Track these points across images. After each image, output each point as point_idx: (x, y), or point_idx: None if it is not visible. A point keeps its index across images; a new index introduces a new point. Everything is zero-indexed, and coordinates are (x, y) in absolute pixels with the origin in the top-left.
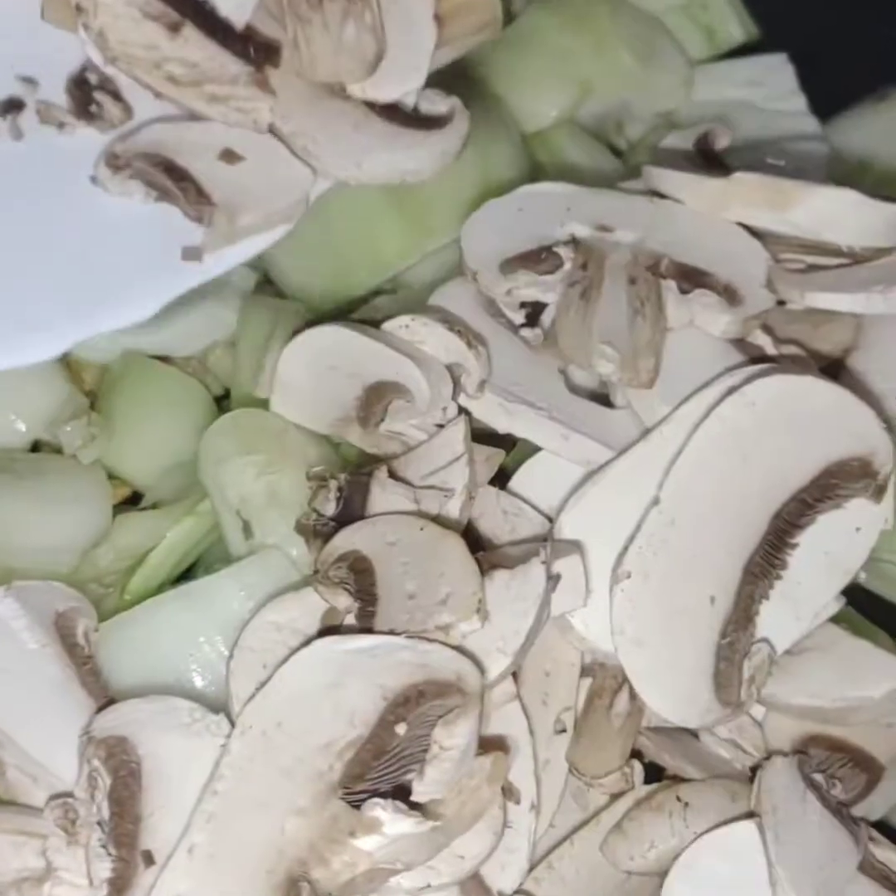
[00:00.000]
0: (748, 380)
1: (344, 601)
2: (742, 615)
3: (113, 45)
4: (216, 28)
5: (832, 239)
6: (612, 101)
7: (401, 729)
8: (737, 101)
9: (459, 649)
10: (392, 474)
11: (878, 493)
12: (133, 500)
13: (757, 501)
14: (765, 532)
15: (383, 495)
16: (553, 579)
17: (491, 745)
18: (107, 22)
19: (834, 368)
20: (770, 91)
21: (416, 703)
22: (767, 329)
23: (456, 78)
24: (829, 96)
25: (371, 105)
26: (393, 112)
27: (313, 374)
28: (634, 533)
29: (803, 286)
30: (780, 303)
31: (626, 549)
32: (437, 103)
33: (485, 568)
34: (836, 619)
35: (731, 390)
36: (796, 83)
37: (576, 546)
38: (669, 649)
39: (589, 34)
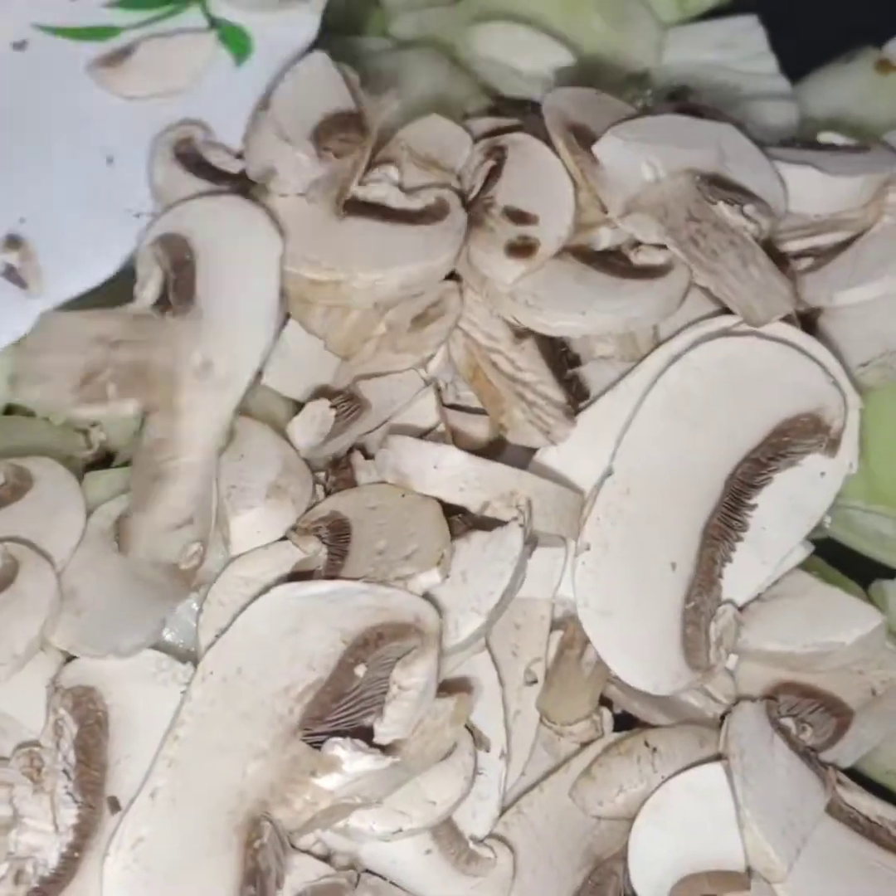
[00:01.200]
0: (693, 345)
1: (313, 547)
2: (704, 578)
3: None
4: (554, 355)
5: (801, 210)
6: (584, 63)
7: (360, 671)
8: (708, 63)
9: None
10: (366, 455)
11: (832, 447)
12: (106, 462)
13: (710, 465)
14: (721, 495)
15: (368, 478)
16: (530, 543)
17: (456, 687)
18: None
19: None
20: (741, 53)
21: (375, 645)
22: None
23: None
24: (799, 58)
25: (588, 259)
26: (611, 264)
27: None
28: (591, 504)
29: (828, 288)
30: None
31: (584, 520)
32: (654, 256)
33: (463, 530)
34: (807, 570)
35: (675, 358)
36: (767, 45)
37: (561, 540)
38: (635, 618)
39: None
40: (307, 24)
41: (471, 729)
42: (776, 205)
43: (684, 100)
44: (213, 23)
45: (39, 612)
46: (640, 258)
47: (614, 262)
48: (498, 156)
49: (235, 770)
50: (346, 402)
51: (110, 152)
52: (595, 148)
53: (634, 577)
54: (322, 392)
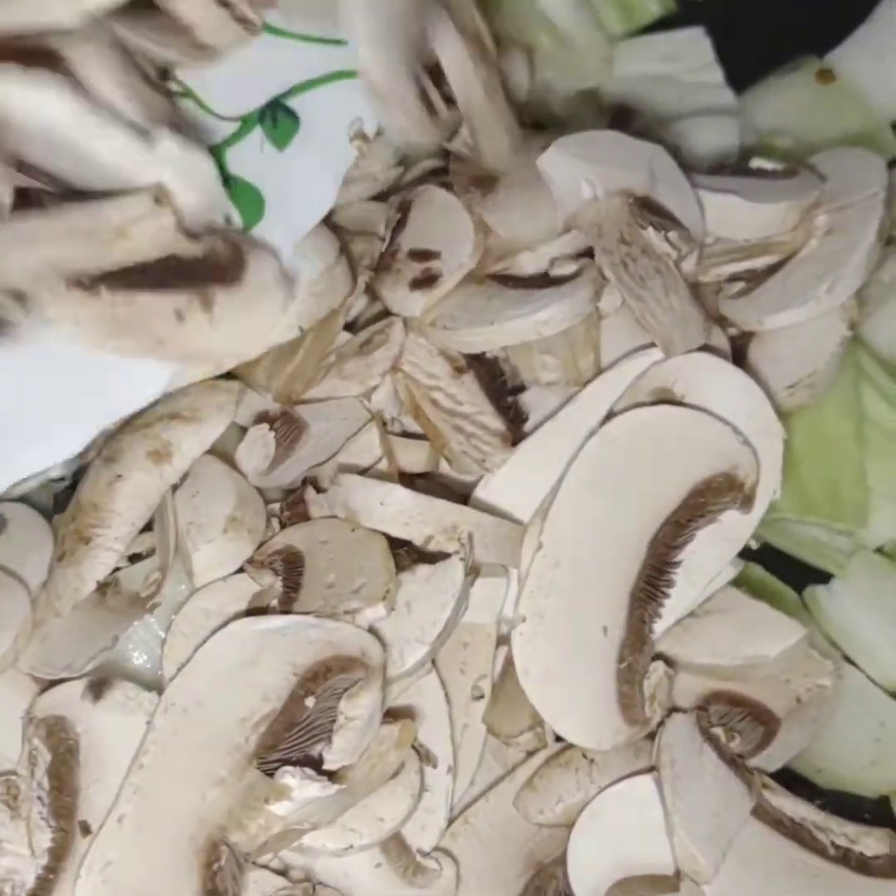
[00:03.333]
0: (608, 418)
1: (268, 580)
2: (635, 638)
3: (403, 361)
4: (493, 385)
5: (729, 235)
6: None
7: (310, 702)
8: (656, 75)
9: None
10: (318, 489)
11: (747, 503)
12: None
13: (633, 532)
14: (645, 558)
15: (321, 512)
16: (471, 575)
17: (402, 713)
18: (410, 347)
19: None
20: (688, 64)
21: (324, 677)
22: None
23: None
24: (746, 68)
25: (505, 282)
26: (527, 282)
27: None
28: (524, 579)
29: (757, 312)
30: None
31: (519, 594)
32: (567, 266)
33: (408, 563)
34: (744, 579)
35: (592, 433)
36: (713, 56)
37: (503, 569)
38: (573, 681)
39: (507, 18)
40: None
41: (418, 748)
42: (696, 231)
43: (624, 120)
44: (227, 179)
45: (11, 628)
46: (555, 271)
47: (531, 281)
48: (404, 207)
49: (196, 796)
50: (285, 425)
51: None
52: (540, 160)
53: (569, 643)
54: (262, 417)
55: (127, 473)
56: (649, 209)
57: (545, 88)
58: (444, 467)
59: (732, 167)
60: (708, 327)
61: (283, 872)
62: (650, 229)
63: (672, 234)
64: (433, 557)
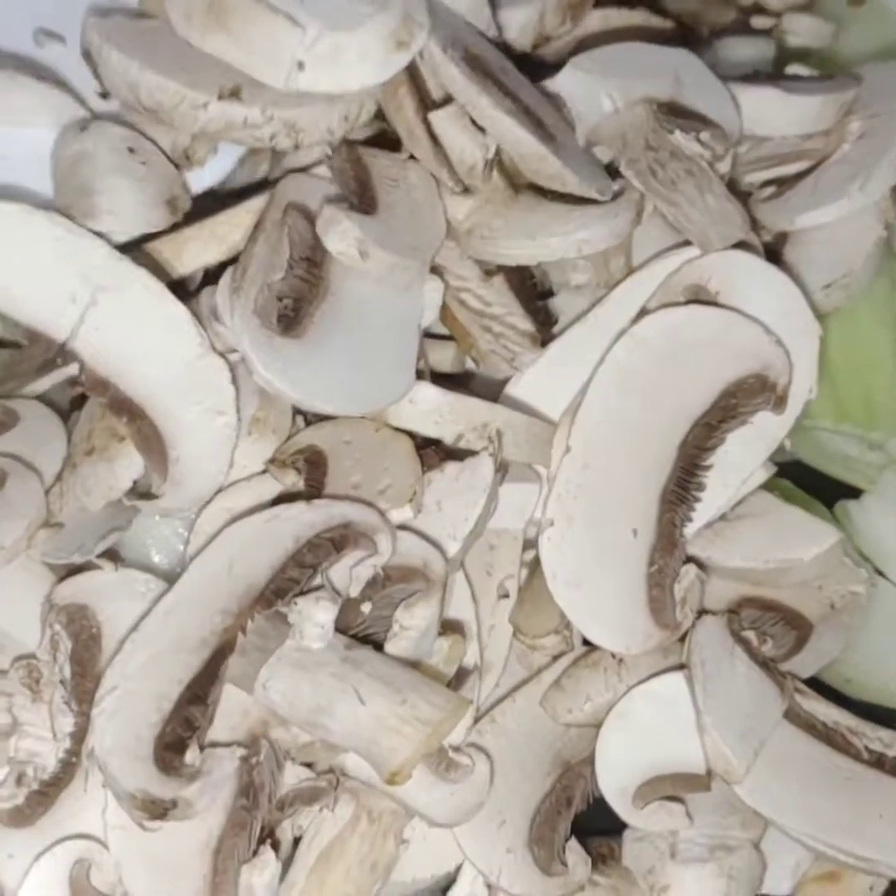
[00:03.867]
0: (639, 318)
1: (291, 479)
2: (666, 542)
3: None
4: (522, 288)
5: (765, 133)
6: None
7: (366, 607)
8: None
9: (420, 535)
10: None
11: (779, 404)
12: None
13: (663, 434)
14: (675, 461)
15: None
16: (501, 472)
17: (449, 627)
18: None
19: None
20: None
21: (383, 585)
22: None
23: None
24: None
25: (544, 194)
26: (566, 196)
27: None
28: (552, 482)
29: (789, 212)
30: None
31: (546, 498)
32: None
33: (436, 461)
34: (772, 491)
35: (622, 333)
36: None
37: (537, 474)
38: (602, 586)
39: None
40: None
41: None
42: (731, 130)
43: None
44: None
45: (26, 516)
46: None
47: (571, 195)
48: None
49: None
50: None
51: None
52: (556, 79)
53: (598, 547)
54: None
55: None
56: (676, 113)
57: None
58: (470, 369)
59: (768, 74)
60: (747, 223)
61: (308, 764)
62: (677, 132)
63: (704, 135)
64: (460, 456)
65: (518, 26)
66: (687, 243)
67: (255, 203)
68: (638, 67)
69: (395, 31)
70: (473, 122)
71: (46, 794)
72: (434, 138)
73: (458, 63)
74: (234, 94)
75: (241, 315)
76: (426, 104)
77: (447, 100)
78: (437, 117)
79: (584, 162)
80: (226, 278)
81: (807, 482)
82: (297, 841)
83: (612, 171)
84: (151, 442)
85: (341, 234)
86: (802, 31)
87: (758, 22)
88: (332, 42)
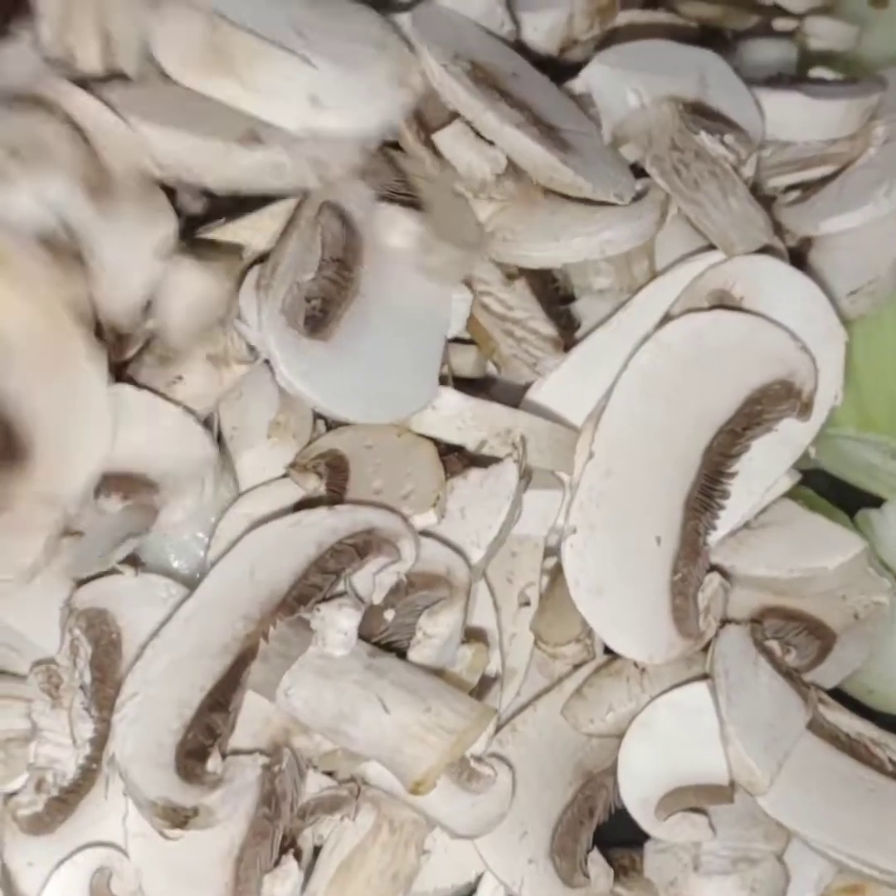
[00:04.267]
0: (662, 323)
1: (312, 484)
2: (690, 550)
3: None
4: (544, 292)
5: (788, 138)
6: None
7: (389, 615)
8: None
9: (444, 541)
10: None
11: (805, 410)
12: None
13: (687, 440)
14: (700, 468)
15: None
16: (525, 478)
17: (473, 636)
18: None
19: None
20: None
21: (406, 592)
22: None
23: None
24: None
25: (567, 196)
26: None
27: None
28: (575, 489)
29: (814, 217)
30: None
31: (568, 504)
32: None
33: (459, 468)
34: (794, 499)
35: (646, 339)
36: None
37: (560, 481)
38: (625, 594)
39: None
40: None
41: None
42: (755, 134)
43: None
44: None
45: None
46: None
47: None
48: None
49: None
50: None
51: None
52: (582, 74)
53: (622, 554)
54: None
55: (188, 376)
56: (701, 114)
57: None
58: (491, 373)
59: (792, 76)
60: (770, 227)
61: (330, 773)
62: (703, 134)
63: (728, 137)
64: (484, 463)
65: (545, 30)
66: (711, 248)
67: (279, 208)
68: (664, 64)
69: (398, 72)
70: (481, 136)
71: (66, 800)
72: (440, 156)
73: (460, 78)
74: (253, 138)
75: (268, 313)
76: (426, 126)
77: (454, 115)
78: (442, 138)
79: (603, 164)
80: (252, 276)
81: (829, 491)
82: (317, 850)
83: (637, 172)
84: None
85: (404, 233)
86: (825, 33)
87: (780, 24)
88: (344, 82)
